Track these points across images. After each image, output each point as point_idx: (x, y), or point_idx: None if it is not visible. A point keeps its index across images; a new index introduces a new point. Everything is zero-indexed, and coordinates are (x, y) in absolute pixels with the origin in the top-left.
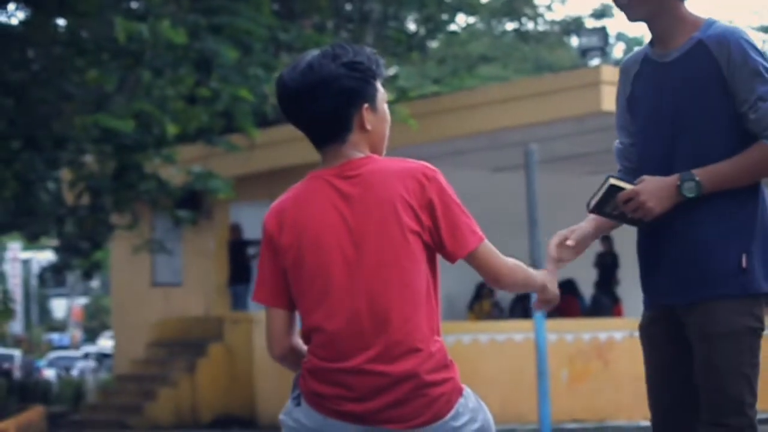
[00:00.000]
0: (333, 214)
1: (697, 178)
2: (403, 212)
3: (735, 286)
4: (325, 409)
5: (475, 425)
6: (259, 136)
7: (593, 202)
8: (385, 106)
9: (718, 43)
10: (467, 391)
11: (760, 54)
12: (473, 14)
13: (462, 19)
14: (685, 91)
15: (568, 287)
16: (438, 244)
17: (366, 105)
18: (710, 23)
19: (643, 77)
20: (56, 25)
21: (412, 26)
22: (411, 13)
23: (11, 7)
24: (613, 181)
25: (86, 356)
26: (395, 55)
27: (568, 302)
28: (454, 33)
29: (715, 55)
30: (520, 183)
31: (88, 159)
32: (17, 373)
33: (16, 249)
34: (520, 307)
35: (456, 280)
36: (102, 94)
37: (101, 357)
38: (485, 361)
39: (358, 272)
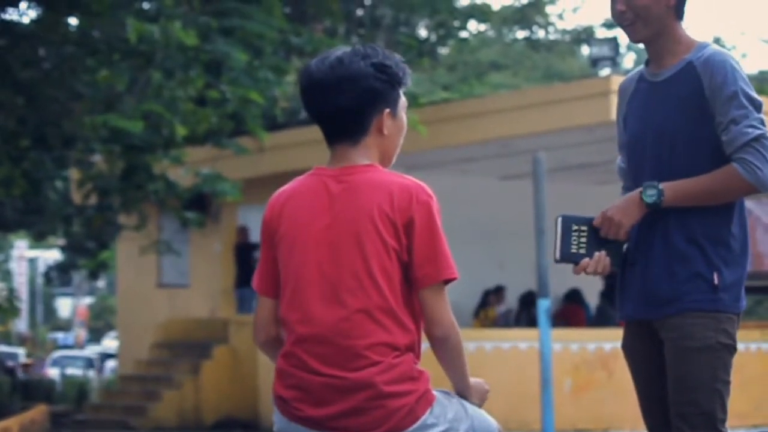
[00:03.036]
0: (319, 215)
1: (660, 187)
2: (382, 225)
3: (708, 302)
4: (288, 414)
5: None
6: (268, 139)
7: (557, 250)
8: (404, 116)
9: (704, 64)
10: (442, 401)
11: (743, 80)
12: (485, 21)
13: (473, 26)
14: (671, 110)
15: (573, 297)
16: (410, 265)
17: (387, 110)
18: (703, 46)
19: (637, 96)
20: (68, 25)
21: (423, 32)
22: (422, 20)
23: (23, 5)
24: (565, 215)
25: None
26: (406, 61)
27: (573, 312)
28: (464, 40)
29: (701, 77)
30: (528, 191)
31: (97, 159)
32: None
33: (22, 247)
34: (526, 316)
35: (462, 287)
36: (112, 94)
37: (104, 357)
38: (490, 369)
39: (329, 277)
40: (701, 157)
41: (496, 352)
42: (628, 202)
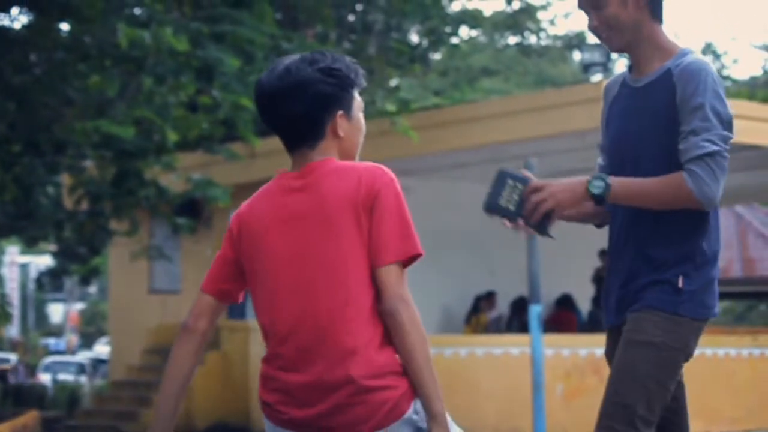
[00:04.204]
0: (285, 213)
1: (608, 181)
2: (347, 215)
3: (667, 303)
4: (274, 418)
5: None
6: (260, 145)
7: (485, 199)
8: (361, 116)
9: (680, 73)
10: (418, 404)
11: (715, 93)
12: (476, 27)
13: (465, 32)
14: (646, 118)
15: (565, 302)
16: (373, 244)
17: (341, 112)
18: (684, 53)
19: (619, 100)
20: (59, 30)
21: (414, 38)
22: (414, 25)
23: (14, 11)
24: (505, 169)
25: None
26: (397, 66)
27: (565, 317)
28: (456, 46)
29: (676, 86)
30: None
31: (88, 164)
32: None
33: (14, 253)
34: (517, 322)
35: (453, 293)
36: (103, 100)
37: (96, 363)
38: (482, 375)
39: (302, 276)
40: (668, 167)
41: (488, 357)
42: (574, 184)
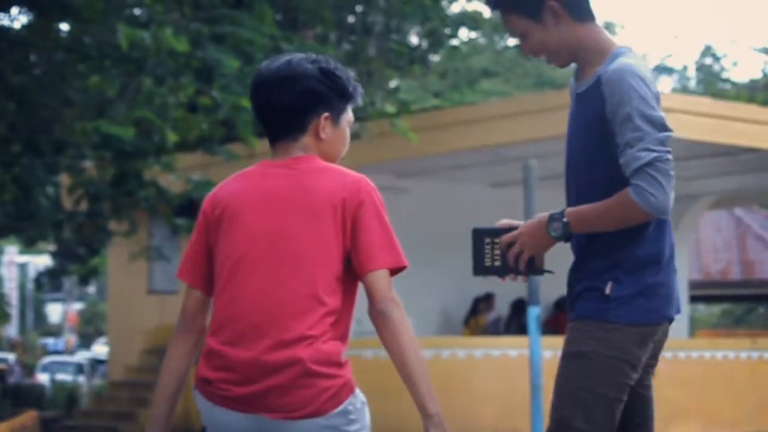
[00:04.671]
0: (263, 200)
1: (565, 219)
2: (329, 211)
3: (594, 311)
4: (213, 395)
5: (356, 425)
6: (259, 146)
7: (473, 264)
8: (347, 131)
9: (608, 80)
10: (358, 392)
11: (641, 97)
12: (476, 29)
13: (464, 34)
14: (580, 129)
15: (563, 304)
16: (354, 253)
17: (327, 114)
18: (615, 55)
19: (571, 105)
20: (59, 31)
21: (414, 40)
22: (414, 27)
23: (14, 11)
24: (477, 227)
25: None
26: (397, 68)
27: (563, 319)
28: (455, 47)
29: (604, 93)
30: (519, 199)
31: (88, 165)
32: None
33: (13, 253)
34: (516, 323)
35: (452, 295)
36: (103, 101)
37: (95, 363)
38: (480, 376)
39: (270, 258)
40: (599, 182)
41: (486, 359)
42: (539, 230)
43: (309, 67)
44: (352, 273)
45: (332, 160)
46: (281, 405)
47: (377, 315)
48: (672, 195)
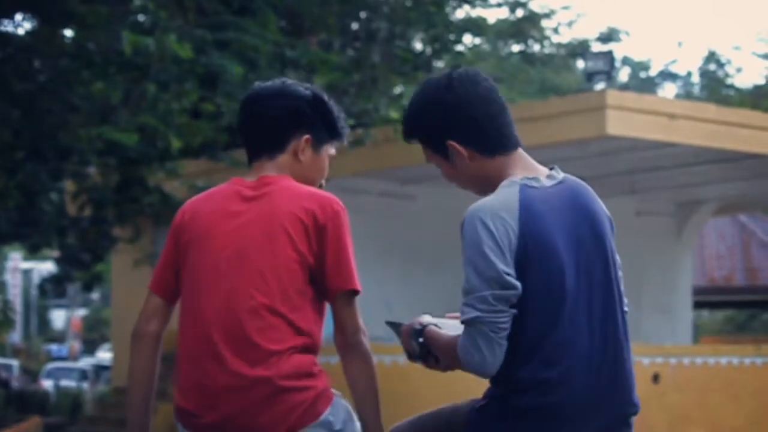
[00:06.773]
0: (230, 218)
1: (420, 339)
2: (294, 230)
3: None
4: (189, 425)
5: None
6: None
7: (405, 355)
8: (326, 163)
9: (462, 223)
10: (338, 401)
11: (475, 248)
12: (480, 35)
13: (468, 40)
14: None
15: None
16: (320, 273)
17: (308, 136)
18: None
19: None
20: (63, 37)
21: (418, 46)
22: (418, 33)
23: (18, 17)
24: (387, 320)
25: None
26: (401, 74)
27: None
28: (460, 53)
29: None
30: None
31: (92, 171)
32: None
33: (17, 259)
34: None
35: (456, 301)
36: (107, 107)
37: (99, 369)
38: (485, 381)
39: (232, 275)
40: None
41: None
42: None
43: (303, 90)
44: (317, 288)
45: (307, 182)
46: (255, 426)
47: (346, 346)
48: (495, 358)
